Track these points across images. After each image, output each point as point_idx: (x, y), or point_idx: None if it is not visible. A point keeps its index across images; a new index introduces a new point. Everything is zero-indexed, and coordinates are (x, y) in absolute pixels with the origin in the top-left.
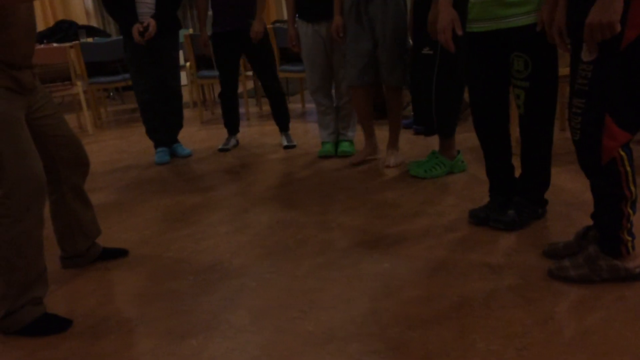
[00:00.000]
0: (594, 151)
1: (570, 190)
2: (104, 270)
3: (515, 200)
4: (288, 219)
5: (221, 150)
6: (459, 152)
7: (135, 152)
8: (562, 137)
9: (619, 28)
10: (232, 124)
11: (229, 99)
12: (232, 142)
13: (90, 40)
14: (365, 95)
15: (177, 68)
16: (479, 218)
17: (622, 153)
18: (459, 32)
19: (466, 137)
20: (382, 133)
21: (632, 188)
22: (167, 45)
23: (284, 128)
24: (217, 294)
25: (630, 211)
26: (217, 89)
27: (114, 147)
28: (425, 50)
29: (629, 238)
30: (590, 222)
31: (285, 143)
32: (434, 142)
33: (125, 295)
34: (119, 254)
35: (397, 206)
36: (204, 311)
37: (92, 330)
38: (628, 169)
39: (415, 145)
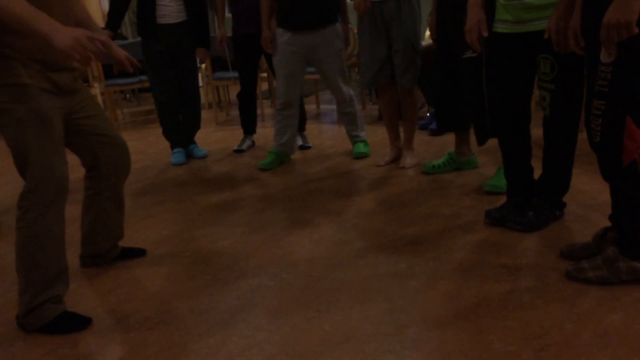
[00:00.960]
0: (615, 153)
1: (588, 192)
2: (123, 269)
3: (533, 202)
4: (304, 219)
5: (236, 151)
6: (473, 153)
7: (152, 153)
8: (579, 139)
9: (636, 29)
10: (249, 125)
11: (248, 99)
12: (248, 142)
13: None
14: (392, 96)
15: (195, 70)
16: (495, 219)
17: None
18: (485, 34)
19: None
20: None
21: None
22: (187, 47)
23: (300, 128)
24: (234, 293)
25: None
26: (233, 91)
27: (131, 148)
28: (468, 54)
29: None
30: (608, 224)
31: (300, 143)
32: (449, 142)
33: (144, 294)
34: (138, 253)
35: (413, 207)
36: (222, 310)
37: (112, 328)
38: None
39: (431, 146)
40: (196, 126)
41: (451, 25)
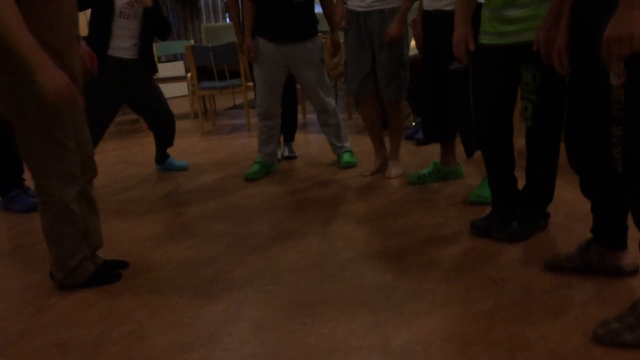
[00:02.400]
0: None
1: (572, 202)
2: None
3: (518, 212)
4: (289, 230)
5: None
6: (459, 163)
7: (136, 163)
8: (562, 149)
9: (638, 43)
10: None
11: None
12: (280, 152)
13: None
14: (372, 105)
15: (159, 92)
16: (480, 229)
17: None
18: (471, 47)
19: None
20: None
21: None
22: (144, 81)
23: (290, 137)
24: (218, 305)
25: None
26: (219, 100)
27: (116, 158)
28: (454, 65)
29: None
30: (591, 235)
31: (286, 153)
32: (435, 152)
33: (127, 307)
34: (120, 266)
35: (399, 217)
36: (206, 323)
37: (94, 343)
38: None
39: (417, 156)
40: (170, 142)
41: (438, 36)
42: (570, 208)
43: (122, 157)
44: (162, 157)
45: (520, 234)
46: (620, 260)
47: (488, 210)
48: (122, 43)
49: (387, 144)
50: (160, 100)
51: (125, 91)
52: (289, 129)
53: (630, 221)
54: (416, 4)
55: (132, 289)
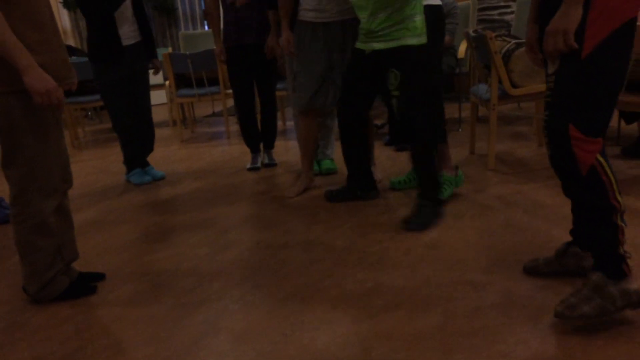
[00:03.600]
0: (569, 163)
1: (550, 206)
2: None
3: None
4: (269, 239)
5: (250, 169)
6: (457, 167)
7: (112, 173)
8: (540, 153)
9: (572, 38)
10: (255, 142)
11: (247, 116)
12: (259, 158)
13: None
14: (313, 121)
15: (149, 89)
16: (332, 196)
17: (601, 159)
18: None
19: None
20: None
21: (619, 198)
22: (143, 67)
23: (270, 145)
24: (197, 317)
25: (622, 224)
26: (197, 107)
27: (92, 167)
28: None
29: (627, 255)
30: (570, 238)
31: (266, 161)
32: None
33: (103, 321)
34: (96, 278)
35: (379, 224)
36: (184, 336)
37: (69, 358)
38: (611, 176)
39: (397, 162)
40: (150, 147)
41: None
42: (548, 212)
43: (98, 166)
44: (140, 162)
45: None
46: None
47: (469, 214)
48: (126, 28)
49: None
50: (145, 96)
51: (127, 78)
52: (268, 137)
53: None
54: None
55: (108, 302)
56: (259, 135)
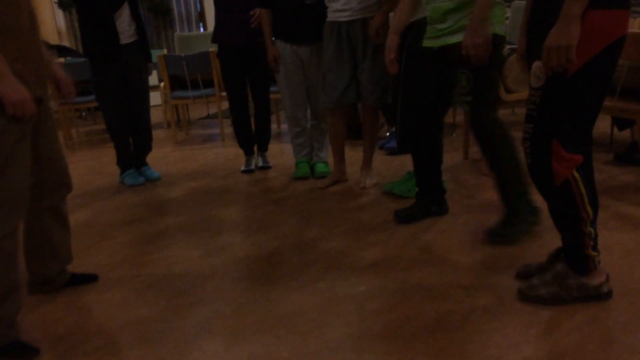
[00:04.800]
0: (545, 174)
1: (542, 211)
2: (73, 296)
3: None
4: (262, 241)
5: (245, 171)
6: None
7: (106, 174)
8: None
9: (574, 53)
10: (248, 144)
11: (240, 118)
12: (253, 160)
13: (61, 60)
14: (344, 118)
15: (147, 89)
16: (401, 217)
17: (576, 175)
18: (391, 56)
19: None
20: (353, 155)
21: (589, 209)
22: (139, 67)
23: (264, 148)
24: (189, 320)
25: (591, 229)
26: (192, 110)
27: (86, 168)
28: None
29: (595, 253)
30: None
31: (260, 164)
32: (408, 162)
33: (95, 322)
34: (89, 279)
35: (372, 228)
36: (176, 338)
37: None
38: (582, 190)
39: (391, 165)
40: (148, 147)
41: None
42: (541, 217)
43: (91, 167)
44: (138, 162)
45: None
46: None
47: (462, 218)
48: (123, 27)
49: (356, 155)
50: (142, 95)
51: (123, 78)
52: (262, 139)
53: (599, 227)
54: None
55: (100, 303)
56: (252, 137)
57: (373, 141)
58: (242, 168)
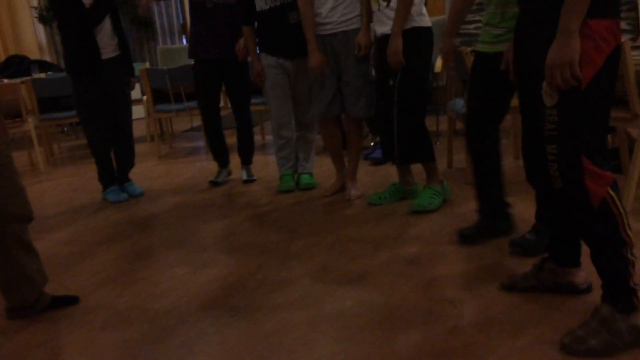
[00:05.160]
0: (580, 197)
1: (527, 220)
2: (53, 320)
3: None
4: (248, 257)
5: (212, 183)
6: (416, 183)
7: (88, 191)
8: (516, 166)
9: (577, 68)
10: (221, 157)
11: (215, 130)
12: (224, 174)
13: (42, 75)
14: (335, 127)
15: (130, 103)
16: (465, 237)
17: (612, 193)
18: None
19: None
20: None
21: (629, 232)
22: (121, 81)
23: (247, 161)
24: (173, 341)
25: (632, 257)
26: (176, 123)
27: (67, 185)
28: (390, 83)
29: (638, 287)
30: (546, 254)
31: (245, 177)
32: (392, 173)
33: (76, 346)
34: (70, 301)
35: (359, 240)
36: None
37: None
38: (621, 210)
39: (375, 176)
40: (130, 163)
41: (382, 56)
42: (526, 226)
43: (73, 184)
44: (121, 178)
45: (536, 246)
46: (574, 277)
47: (445, 230)
48: (105, 42)
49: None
50: (125, 110)
51: (105, 93)
52: (245, 152)
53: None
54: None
55: (82, 326)
56: (226, 149)
57: (357, 153)
58: (211, 178)
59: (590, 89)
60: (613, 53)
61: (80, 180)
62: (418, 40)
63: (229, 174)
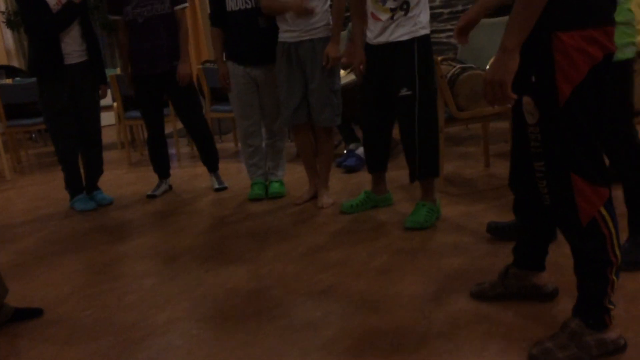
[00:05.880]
0: (569, 214)
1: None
2: (15, 334)
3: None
4: (217, 267)
5: (149, 196)
6: (388, 191)
7: (55, 199)
8: (486, 174)
9: (509, 89)
10: (161, 169)
11: (157, 142)
12: (163, 187)
13: (9, 81)
14: (306, 134)
15: (98, 110)
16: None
17: (604, 212)
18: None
19: (399, 175)
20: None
21: (618, 252)
22: (89, 87)
23: (213, 168)
24: (139, 355)
25: (615, 278)
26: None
27: (34, 193)
28: (404, 92)
29: (612, 307)
30: (511, 260)
31: (216, 186)
32: (365, 181)
33: None
34: (34, 314)
35: (329, 249)
36: None
37: None
38: (612, 230)
39: (348, 184)
40: (99, 170)
41: (383, 64)
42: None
43: (40, 192)
44: (89, 186)
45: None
46: (539, 280)
47: (416, 240)
48: (71, 47)
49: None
50: (93, 117)
51: (71, 98)
52: (207, 160)
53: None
54: (342, 34)
55: (45, 340)
56: (167, 161)
57: (328, 161)
58: (148, 192)
59: (569, 105)
60: (600, 64)
61: (47, 189)
62: (430, 49)
63: (170, 187)
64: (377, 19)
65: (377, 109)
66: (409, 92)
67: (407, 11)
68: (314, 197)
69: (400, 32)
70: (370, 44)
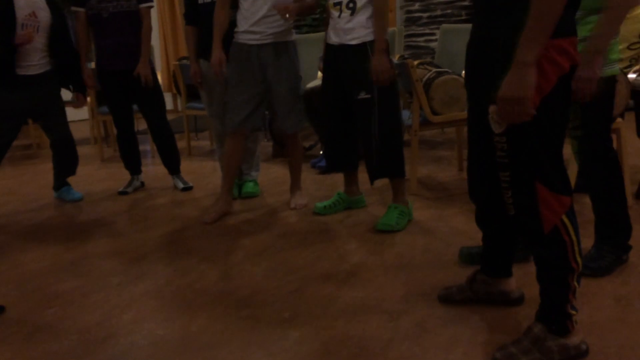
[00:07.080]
0: (532, 223)
1: (466, 232)
2: None
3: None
4: (186, 266)
5: (121, 193)
6: (361, 193)
7: (24, 194)
8: (459, 178)
9: (529, 106)
10: (132, 165)
11: (127, 138)
12: (135, 184)
13: None
14: (241, 142)
15: (65, 115)
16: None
17: (566, 220)
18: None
19: None
20: (285, 173)
21: (579, 259)
22: (53, 96)
23: (175, 171)
24: (102, 354)
25: (576, 284)
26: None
27: (2, 188)
28: (362, 95)
29: (574, 312)
30: (479, 266)
31: (181, 186)
32: (339, 182)
33: None
34: None
35: (301, 250)
36: None
37: None
38: (574, 238)
39: (322, 185)
40: (71, 171)
41: (343, 67)
42: (465, 238)
43: (9, 187)
44: (57, 184)
45: (603, 268)
46: (506, 286)
47: (388, 242)
48: (29, 59)
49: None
50: (60, 123)
51: (30, 108)
52: (169, 162)
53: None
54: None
55: (5, 338)
56: (138, 157)
57: (298, 163)
58: (120, 189)
59: (538, 114)
60: (567, 74)
61: (16, 183)
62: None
63: (142, 184)
64: (331, 17)
65: (334, 107)
66: (367, 96)
67: (353, 10)
68: (225, 213)
69: (353, 36)
70: (329, 43)
